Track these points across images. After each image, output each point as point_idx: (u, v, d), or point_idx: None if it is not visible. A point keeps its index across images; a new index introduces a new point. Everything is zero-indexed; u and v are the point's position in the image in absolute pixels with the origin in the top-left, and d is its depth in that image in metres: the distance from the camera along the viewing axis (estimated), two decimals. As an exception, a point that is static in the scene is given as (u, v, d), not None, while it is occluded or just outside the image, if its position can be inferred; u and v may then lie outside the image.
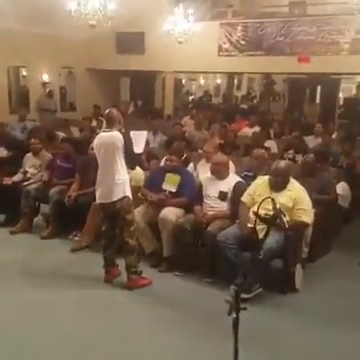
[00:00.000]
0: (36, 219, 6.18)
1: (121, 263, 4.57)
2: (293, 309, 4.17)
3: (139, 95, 16.02)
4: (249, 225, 4.30)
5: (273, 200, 2.60)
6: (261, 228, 3.32)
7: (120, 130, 4.41)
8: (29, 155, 6.48)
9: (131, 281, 4.48)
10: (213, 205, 4.89)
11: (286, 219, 4.00)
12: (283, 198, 4.23)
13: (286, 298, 4.35)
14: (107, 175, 4.41)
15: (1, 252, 5.31)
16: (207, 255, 4.71)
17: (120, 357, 3.43)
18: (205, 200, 4.96)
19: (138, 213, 4.89)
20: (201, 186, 5.05)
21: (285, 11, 11.55)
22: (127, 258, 4.46)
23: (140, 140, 4.80)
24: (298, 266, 4.50)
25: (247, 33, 11.38)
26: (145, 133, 5.13)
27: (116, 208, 4.40)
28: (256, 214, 2.91)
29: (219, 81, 19.95)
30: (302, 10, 11.03)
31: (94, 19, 8.75)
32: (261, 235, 3.11)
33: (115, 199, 4.38)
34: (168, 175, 5.21)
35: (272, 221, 2.63)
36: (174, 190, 5.11)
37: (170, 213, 4.87)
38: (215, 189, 4.92)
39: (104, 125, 5.17)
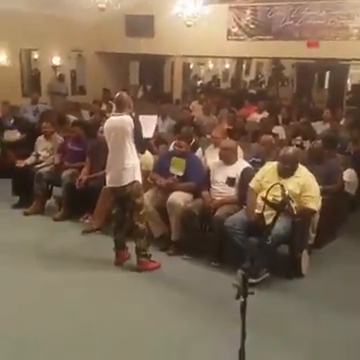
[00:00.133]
0: (48, 201, 6.29)
1: (131, 246, 4.65)
2: (299, 294, 4.24)
3: (148, 79, 15.98)
4: (256, 211, 4.37)
5: (282, 186, 2.64)
6: (269, 214, 3.39)
7: (130, 114, 4.42)
8: (41, 138, 6.55)
9: (140, 264, 4.57)
10: (221, 190, 4.93)
11: (294, 205, 4.08)
12: (291, 184, 4.25)
13: (292, 283, 4.41)
14: (117, 160, 4.44)
15: (15, 233, 5.42)
16: (215, 240, 4.77)
17: (128, 338, 3.50)
18: (213, 185, 5.00)
19: (147, 197, 4.94)
20: (209, 171, 5.09)
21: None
22: (137, 241, 4.54)
23: (150, 125, 4.83)
24: (304, 252, 4.55)
25: (256, 17, 11.28)
26: (155, 118, 5.17)
27: (126, 192, 4.46)
28: (265, 200, 2.95)
29: (227, 66, 19.81)
30: (312, -6, 10.92)
31: (103, 2, 8.76)
32: (268, 221, 3.16)
33: (125, 183, 4.43)
34: (174, 159, 5.24)
35: (281, 207, 2.67)
36: (181, 174, 5.15)
37: (178, 198, 4.93)
38: (223, 174, 4.95)
39: (114, 109, 5.20)
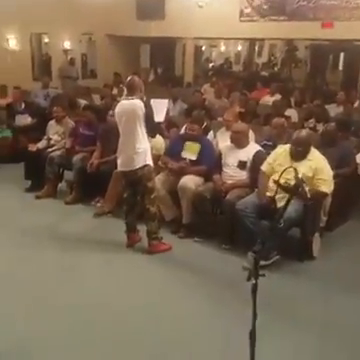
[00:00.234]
0: (60, 185, 6.34)
1: (142, 229, 4.69)
2: (310, 276, 4.25)
3: (159, 62, 15.88)
4: (268, 194, 4.36)
5: (295, 169, 2.62)
6: (280, 197, 3.37)
7: (142, 98, 4.41)
8: (52, 122, 6.57)
9: (152, 246, 4.60)
10: (232, 174, 4.93)
11: (307, 188, 4.06)
12: (303, 168, 4.22)
13: (303, 265, 4.42)
14: (128, 144, 4.45)
15: (27, 216, 5.49)
16: (226, 223, 4.78)
17: (140, 319, 3.55)
18: (224, 169, 4.99)
19: (158, 181, 4.95)
20: (220, 155, 5.08)
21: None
22: (148, 224, 4.57)
23: (161, 108, 4.82)
24: (316, 235, 4.55)
25: (270, -4, 11.10)
26: (166, 102, 5.15)
27: (137, 176, 4.47)
28: (277, 183, 2.94)
29: (240, 48, 19.59)
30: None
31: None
32: (280, 204, 3.15)
33: (136, 167, 4.44)
34: (188, 143, 5.24)
35: (294, 190, 2.66)
36: (194, 158, 5.15)
37: (189, 181, 4.94)
38: (234, 158, 4.94)
39: (125, 93, 5.19)
